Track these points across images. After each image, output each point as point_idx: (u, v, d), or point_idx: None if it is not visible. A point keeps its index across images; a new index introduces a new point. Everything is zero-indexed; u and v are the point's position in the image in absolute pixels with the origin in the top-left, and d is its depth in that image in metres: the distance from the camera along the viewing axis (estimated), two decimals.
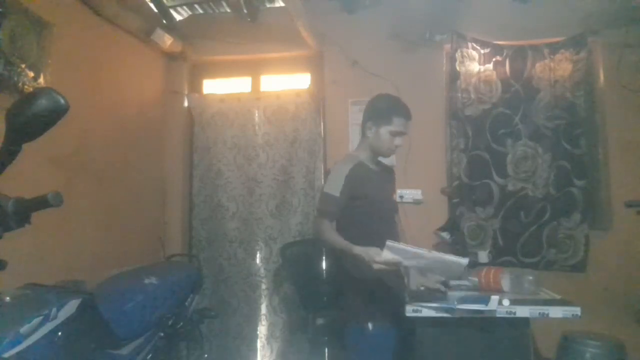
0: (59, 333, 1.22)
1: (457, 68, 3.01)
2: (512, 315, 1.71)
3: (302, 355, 2.97)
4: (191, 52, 3.41)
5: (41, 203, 1.06)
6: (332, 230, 1.86)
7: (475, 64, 3.02)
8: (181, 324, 1.92)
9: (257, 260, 3.22)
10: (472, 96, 3.00)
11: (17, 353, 1.09)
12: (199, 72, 3.59)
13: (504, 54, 3.01)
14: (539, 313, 1.72)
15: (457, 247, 2.85)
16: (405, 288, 1.82)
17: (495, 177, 2.96)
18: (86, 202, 2.44)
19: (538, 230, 2.89)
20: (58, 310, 1.23)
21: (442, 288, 1.81)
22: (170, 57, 3.38)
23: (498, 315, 1.71)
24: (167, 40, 3.06)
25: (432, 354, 1.81)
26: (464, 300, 1.74)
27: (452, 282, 2.05)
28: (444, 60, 3.13)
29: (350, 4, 3.20)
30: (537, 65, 2.96)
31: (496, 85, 3.00)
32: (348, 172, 1.90)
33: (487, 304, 1.68)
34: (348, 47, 3.18)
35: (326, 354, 2.53)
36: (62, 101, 0.98)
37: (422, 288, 1.79)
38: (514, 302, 1.73)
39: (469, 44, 3.02)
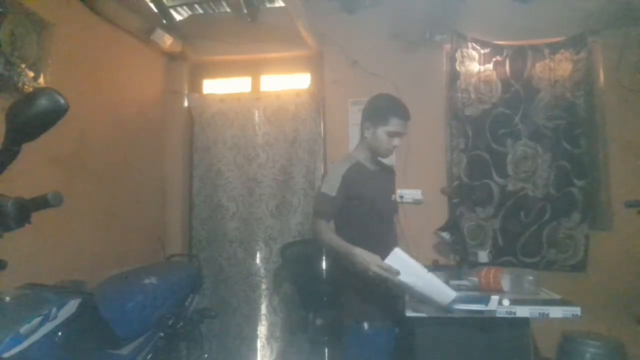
0: (59, 333, 1.22)
1: (457, 68, 3.01)
2: (512, 315, 1.71)
3: (302, 355, 2.97)
4: (191, 52, 3.41)
5: (41, 203, 1.06)
6: (328, 231, 1.86)
7: (475, 64, 3.02)
8: (181, 324, 1.92)
9: (257, 260, 3.22)
10: (472, 96, 3.00)
11: (17, 353, 1.09)
12: (199, 72, 3.59)
13: (504, 54, 3.01)
14: (539, 313, 1.73)
15: (457, 247, 2.85)
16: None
17: (495, 177, 2.96)
18: (86, 202, 2.44)
19: (538, 230, 2.89)
20: (58, 310, 1.23)
21: None
22: (170, 57, 3.38)
23: (498, 315, 1.71)
24: (167, 40, 3.06)
25: (432, 354, 1.81)
26: (464, 300, 1.74)
27: (452, 282, 2.05)
28: (444, 60, 3.13)
29: (350, 4, 3.20)
30: (537, 65, 2.96)
31: (496, 85, 3.00)
32: (345, 172, 1.89)
33: (487, 304, 1.68)
34: (348, 47, 3.18)
35: (326, 354, 2.53)
36: (62, 101, 0.98)
37: None
38: (514, 302, 1.74)
39: (469, 44, 3.02)
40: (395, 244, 1.98)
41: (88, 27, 2.52)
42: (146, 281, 1.84)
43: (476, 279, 2.07)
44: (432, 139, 3.07)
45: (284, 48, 3.34)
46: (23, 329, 1.12)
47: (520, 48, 3.00)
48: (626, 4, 2.80)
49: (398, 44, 3.13)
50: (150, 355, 1.76)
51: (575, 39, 2.92)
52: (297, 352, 3.05)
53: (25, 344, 1.12)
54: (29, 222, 1.08)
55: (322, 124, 3.25)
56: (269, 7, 3.35)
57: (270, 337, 3.18)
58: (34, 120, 0.97)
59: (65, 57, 2.28)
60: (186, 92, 3.48)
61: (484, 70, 3.01)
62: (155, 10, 3.13)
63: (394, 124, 1.92)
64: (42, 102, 0.96)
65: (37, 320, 1.16)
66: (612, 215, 2.86)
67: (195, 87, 3.57)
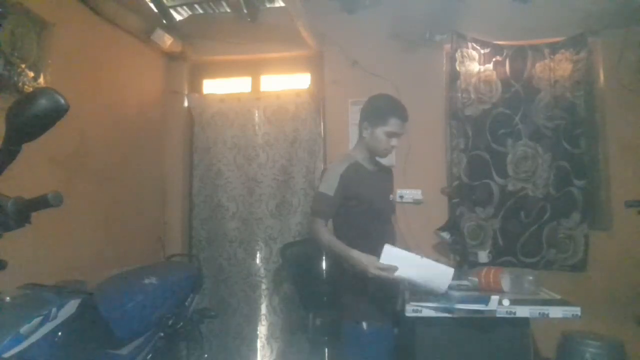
0: (59, 333, 1.22)
1: (457, 68, 3.00)
2: (512, 315, 1.71)
3: (302, 355, 2.97)
4: (191, 52, 3.41)
5: (41, 203, 1.06)
6: (326, 231, 1.86)
7: (475, 64, 3.02)
8: (181, 324, 1.92)
9: (257, 260, 3.22)
10: (472, 96, 3.00)
11: (17, 353, 1.09)
12: (199, 72, 3.59)
13: (504, 54, 3.01)
14: (539, 313, 1.72)
15: (457, 247, 2.85)
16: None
17: (495, 177, 2.96)
18: (86, 202, 2.44)
19: (538, 230, 2.89)
20: (58, 310, 1.23)
21: None
22: (170, 57, 3.38)
23: (498, 315, 1.71)
24: (167, 40, 3.06)
25: (432, 354, 1.81)
26: (464, 300, 1.74)
27: (452, 282, 2.05)
28: (444, 60, 3.13)
29: (350, 4, 3.20)
30: (537, 65, 2.96)
31: (496, 85, 3.00)
32: (343, 172, 1.89)
33: (487, 304, 1.68)
34: (348, 47, 3.18)
35: (326, 354, 2.53)
36: (62, 101, 0.98)
37: None
38: (514, 302, 1.73)
39: (469, 44, 3.02)
40: (393, 244, 1.98)
41: (88, 27, 2.52)
42: (146, 281, 1.84)
43: (476, 279, 2.06)
44: (432, 139, 3.07)
45: (284, 48, 3.34)
46: (23, 329, 1.12)
47: (520, 48, 3.00)
48: (626, 4, 2.80)
49: (398, 44, 3.13)
50: (150, 355, 1.76)
51: (575, 39, 2.91)
52: (297, 352, 3.05)
53: (25, 344, 1.12)
54: (29, 222, 1.08)
55: (322, 124, 3.25)
56: (269, 7, 3.35)
57: (270, 337, 3.18)
58: (34, 120, 0.97)
59: (65, 57, 2.28)
60: (186, 92, 3.48)
61: (484, 70, 3.01)
62: (155, 10, 3.13)
63: (392, 124, 1.91)
64: (42, 102, 0.97)
65: (37, 320, 1.16)
66: (612, 215, 2.86)
67: (195, 87, 3.56)
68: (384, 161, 2.15)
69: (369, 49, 3.17)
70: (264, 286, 3.20)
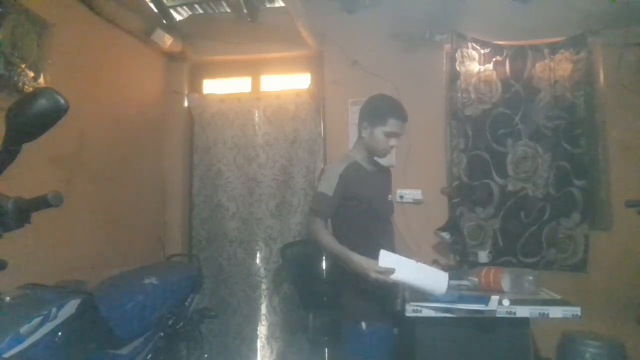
0: (59, 333, 1.22)
1: (457, 68, 3.00)
2: (512, 315, 1.71)
3: (302, 355, 2.97)
4: (191, 52, 3.41)
5: (41, 203, 1.06)
6: (325, 231, 1.86)
7: (475, 64, 3.02)
8: (181, 324, 1.92)
9: (257, 260, 3.22)
10: (472, 96, 3.00)
11: (17, 353, 1.09)
12: (199, 72, 3.59)
13: (504, 54, 3.01)
14: (539, 313, 1.73)
15: (457, 247, 2.85)
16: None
17: (495, 177, 2.96)
18: (86, 202, 2.44)
19: (538, 230, 2.89)
20: (58, 310, 1.23)
21: None
22: (170, 57, 3.38)
23: (498, 315, 1.71)
24: (167, 40, 3.06)
25: (432, 354, 1.81)
26: (464, 300, 1.74)
27: (452, 282, 2.05)
28: (444, 60, 3.13)
29: (350, 4, 3.20)
30: (537, 65, 2.96)
31: (496, 85, 3.00)
32: (342, 172, 1.89)
33: (487, 304, 1.68)
34: (348, 47, 3.17)
35: (326, 354, 2.53)
36: (62, 101, 0.99)
37: None
38: (514, 302, 1.74)
39: (469, 44, 3.02)
40: (392, 244, 1.99)
41: (88, 27, 2.52)
42: (146, 281, 1.84)
43: (476, 279, 2.07)
44: (432, 139, 3.07)
45: (284, 48, 3.34)
46: (23, 329, 1.12)
47: (520, 48, 3.00)
48: (626, 4, 2.80)
49: (398, 44, 3.13)
50: (150, 355, 1.76)
51: (575, 39, 2.91)
52: (297, 352, 3.05)
53: (25, 344, 1.12)
54: (29, 222, 1.08)
55: (322, 124, 3.25)
56: (269, 7, 3.35)
57: (270, 337, 3.17)
58: (34, 120, 0.97)
59: (65, 57, 2.28)
60: (186, 92, 3.48)
61: (484, 70, 3.01)
62: (155, 10, 3.13)
63: (391, 125, 1.91)
64: (42, 102, 0.97)
65: (37, 320, 1.16)
66: (612, 215, 2.86)
67: (195, 87, 3.56)
68: (384, 161, 2.14)
69: (369, 49, 3.17)
70: (264, 286, 3.20)
